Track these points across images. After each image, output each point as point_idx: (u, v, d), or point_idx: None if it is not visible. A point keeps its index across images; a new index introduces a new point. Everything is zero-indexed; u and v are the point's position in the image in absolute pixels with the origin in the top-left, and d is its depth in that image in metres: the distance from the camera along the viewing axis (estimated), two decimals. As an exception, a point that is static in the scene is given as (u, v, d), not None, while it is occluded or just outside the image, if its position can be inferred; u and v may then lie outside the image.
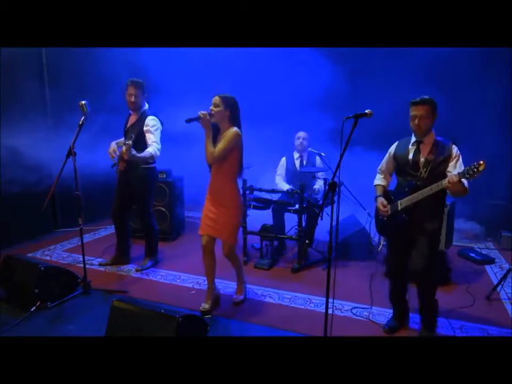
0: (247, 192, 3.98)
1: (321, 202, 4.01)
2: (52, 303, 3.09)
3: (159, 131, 3.67)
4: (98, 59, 4.89)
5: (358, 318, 3.04)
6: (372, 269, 3.92)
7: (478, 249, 4.44)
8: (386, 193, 2.82)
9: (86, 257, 3.34)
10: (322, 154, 4.30)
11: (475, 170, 2.24)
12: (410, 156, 2.66)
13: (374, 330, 2.86)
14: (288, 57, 4.76)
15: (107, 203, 4.04)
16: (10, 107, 4.24)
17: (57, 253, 4.36)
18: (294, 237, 3.99)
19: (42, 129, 4.45)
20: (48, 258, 4.21)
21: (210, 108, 2.82)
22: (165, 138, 3.75)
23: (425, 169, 2.59)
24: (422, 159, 2.61)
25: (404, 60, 4.60)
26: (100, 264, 3.99)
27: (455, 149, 2.58)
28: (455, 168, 2.53)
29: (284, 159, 4.55)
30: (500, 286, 3.38)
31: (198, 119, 2.73)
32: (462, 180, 2.37)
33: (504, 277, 3.38)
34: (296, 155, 4.48)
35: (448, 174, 2.49)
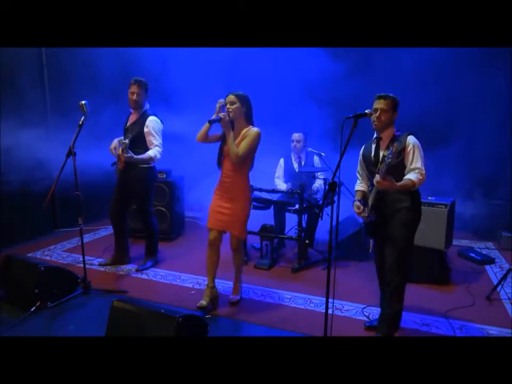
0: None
1: (321, 202, 4.01)
2: (52, 303, 3.08)
3: (160, 133, 3.67)
4: (98, 59, 4.89)
5: (358, 318, 3.04)
6: (371, 269, 3.91)
7: (478, 249, 4.43)
8: (367, 197, 2.78)
9: (86, 257, 3.34)
10: (322, 154, 4.30)
11: (397, 155, 2.28)
12: (372, 153, 2.67)
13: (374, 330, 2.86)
14: (286, 55, 4.76)
15: (107, 203, 4.04)
16: (10, 107, 4.24)
17: (57, 253, 4.36)
18: (294, 237, 3.99)
19: (42, 129, 4.45)
20: (48, 258, 4.20)
21: (227, 106, 2.86)
22: (165, 139, 3.76)
23: (382, 165, 2.52)
24: (380, 155, 2.59)
25: (405, 58, 4.59)
26: (100, 264, 3.98)
27: (411, 140, 2.50)
28: (412, 161, 2.48)
29: (282, 160, 4.55)
30: (500, 286, 3.38)
31: (219, 120, 2.80)
32: (408, 176, 2.42)
33: (504, 277, 3.38)
34: (293, 156, 4.48)
35: (408, 167, 2.48)
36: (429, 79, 4.77)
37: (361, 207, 2.69)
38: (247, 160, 2.97)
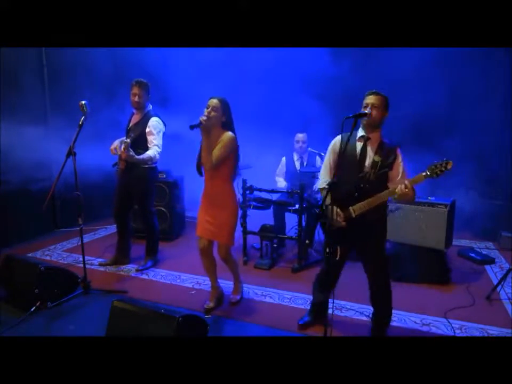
0: (247, 192, 3.98)
1: (321, 202, 4.00)
2: (52, 303, 3.08)
3: (161, 134, 3.68)
4: (98, 59, 4.89)
5: (358, 318, 3.04)
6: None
7: (478, 249, 4.43)
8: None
9: (86, 257, 3.34)
10: (323, 154, 4.30)
11: (443, 169, 2.18)
12: (357, 152, 2.50)
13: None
14: (286, 53, 4.74)
15: (107, 203, 4.04)
16: (10, 107, 4.24)
17: (57, 253, 4.36)
18: (294, 237, 3.99)
19: (42, 129, 4.45)
20: (48, 258, 4.21)
21: (208, 110, 2.75)
22: (165, 139, 3.76)
23: (373, 171, 2.44)
24: (369, 159, 2.47)
25: (407, 56, 4.57)
26: (100, 264, 3.99)
27: (400, 153, 2.47)
28: (402, 173, 2.44)
29: (284, 159, 4.55)
30: (500, 286, 3.38)
31: (199, 125, 2.67)
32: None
33: (504, 277, 3.38)
34: (296, 156, 4.48)
35: (396, 179, 2.42)
36: (431, 76, 4.73)
37: (342, 215, 2.47)
38: (223, 165, 2.84)
